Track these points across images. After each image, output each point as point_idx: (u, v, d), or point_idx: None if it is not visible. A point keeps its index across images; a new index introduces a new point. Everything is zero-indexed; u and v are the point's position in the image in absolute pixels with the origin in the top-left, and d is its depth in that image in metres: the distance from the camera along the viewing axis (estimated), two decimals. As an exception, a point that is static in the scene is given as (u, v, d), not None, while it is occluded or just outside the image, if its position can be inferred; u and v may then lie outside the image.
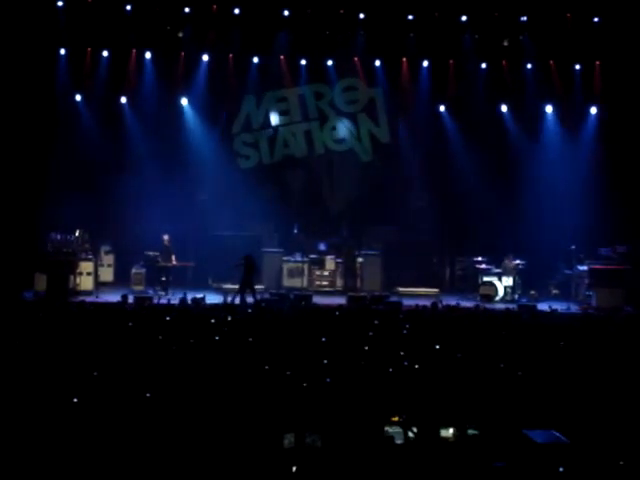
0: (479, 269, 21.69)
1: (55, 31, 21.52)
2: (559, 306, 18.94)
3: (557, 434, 7.52)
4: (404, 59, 22.92)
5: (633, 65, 21.56)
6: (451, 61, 22.80)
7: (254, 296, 19.15)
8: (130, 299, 18.09)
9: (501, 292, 21.19)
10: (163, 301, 18.46)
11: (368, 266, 22.24)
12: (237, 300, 18.89)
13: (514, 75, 22.79)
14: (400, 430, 7.63)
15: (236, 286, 19.60)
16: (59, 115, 22.01)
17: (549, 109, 22.91)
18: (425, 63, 22.92)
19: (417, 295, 20.91)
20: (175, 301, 17.67)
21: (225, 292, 19.78)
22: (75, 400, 8.23)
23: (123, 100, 22.63)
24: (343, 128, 23.59)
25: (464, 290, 22.10)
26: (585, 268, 20.89)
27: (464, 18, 22.18)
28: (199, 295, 18.02)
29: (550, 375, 10.13)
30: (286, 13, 22.17)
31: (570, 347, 12.23)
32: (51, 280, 19.63)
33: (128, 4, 21.79)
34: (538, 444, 7.28)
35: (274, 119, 23.58)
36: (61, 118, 22.03)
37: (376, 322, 14.18)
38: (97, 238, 21.47)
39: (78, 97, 22.39)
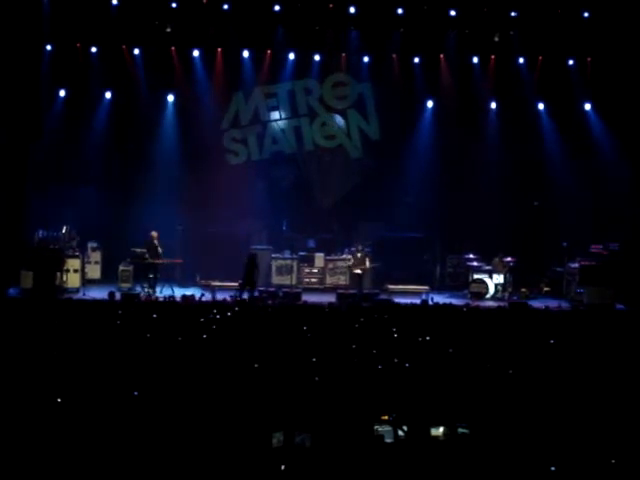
0: (470, 266, 21.63)
1: (40, 26, 21.25)
2: (550, 303, 18.88)
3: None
4: (394, 55, 22.79)
5: (624, 61, 21.44)
6: (441, 56, 22.68)
7: (252, 292, 19.17)
8: (117, 296, 17.98)
9: (492, 290, 21.11)
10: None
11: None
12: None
13: (504, 70, 22.68)
14: (390, 429, 7.60)
15: (224, 283, 19.56)
16: (44, 110, 21.77)
17: (541, 106, 22.80)
18: (416, 59, 22.80)
19: (407, 292, 20.82)
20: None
21: (213, 289, 19.70)
22: (59, 400, 8.12)
23: (108, 95, 22.42)
24: (332, 122, 23.43)
25: (455, 288, 22.03)
26: (576, 265, 20.83)
27: (453, 13, 22.05)
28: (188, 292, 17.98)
29: (541, 373, 10.09)
30: (277, 8, 22.01)
31: (561, 344, 12.19)
32: (37, 277, 19.47)
33: (114, -1, 21.64)
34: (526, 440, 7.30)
35: (263, 115, 23.41)
36: (46, 113, 21.80)
37: (366, 320, 14.08)
38: (84, 235, 21.31)
39: (62, 92, 22.17)
